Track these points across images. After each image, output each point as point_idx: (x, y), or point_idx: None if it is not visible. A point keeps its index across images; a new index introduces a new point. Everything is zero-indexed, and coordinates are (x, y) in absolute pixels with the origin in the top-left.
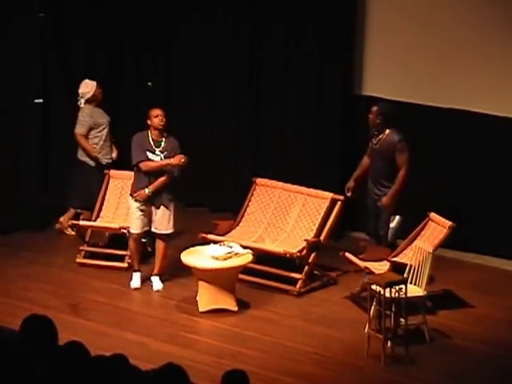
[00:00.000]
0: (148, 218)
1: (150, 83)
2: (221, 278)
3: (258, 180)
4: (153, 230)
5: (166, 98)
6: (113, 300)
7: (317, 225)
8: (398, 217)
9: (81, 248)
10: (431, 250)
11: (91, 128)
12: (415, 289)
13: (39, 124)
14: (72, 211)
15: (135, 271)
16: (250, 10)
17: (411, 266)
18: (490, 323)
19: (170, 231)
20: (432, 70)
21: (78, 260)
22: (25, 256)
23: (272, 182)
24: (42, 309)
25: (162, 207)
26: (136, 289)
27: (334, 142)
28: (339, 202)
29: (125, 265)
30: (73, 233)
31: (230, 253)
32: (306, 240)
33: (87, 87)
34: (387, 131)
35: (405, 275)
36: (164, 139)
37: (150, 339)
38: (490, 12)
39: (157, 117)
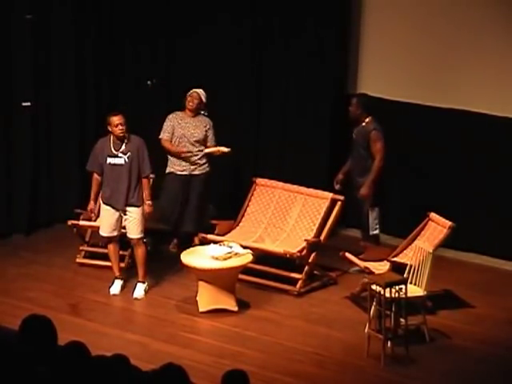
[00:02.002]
0: (120, 221)
1: (149, 82)
2: (221, 278)
3: (258, 180)
4: (127, 235)
5: (167, 98)
6: (113, 300)
7: (317, 225)
8: (376, 208)
9: (81, 248)
10: (431, 250)
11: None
12: (415, 289)
13: (33, 126)
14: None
15: (116, 278)
16: (250, 11)
17: (411, 266)
18: (490, 323)
19: (141, 235)
20: (429, 69)
21: (77, 260)
22: (25, 256)
23: (272, 182)
24: (42, 309)
25: (131, 209)
26: (114, 295)
27: (335, 142)
28: (339, 202)
29: (122, 265)
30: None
31: (229, 253)
32: (306, 240)
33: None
34: (365, 121)
35: (405, 275)
36: (126, 140)
37: (150, 339)
38: (488, 11)
39: (117, 126)
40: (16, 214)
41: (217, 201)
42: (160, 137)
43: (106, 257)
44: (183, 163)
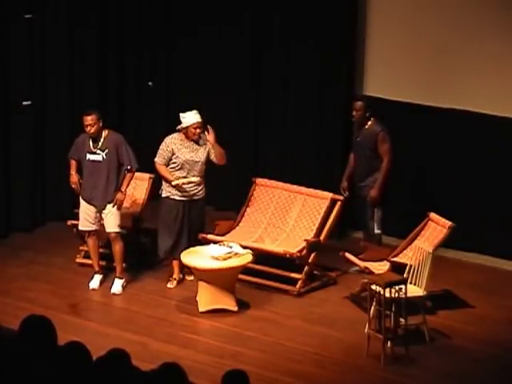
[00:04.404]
0: (98, 216)
1: (150, 83)
2: (221, 278)
3: (258, 180)
4: (106, 230)
5: (166, 98)
6: (113, 300)
7: (317, 225)
8: (381, 208)
9: (81, 248)
10: (431, 250)
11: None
12: (415, 289)
13: (30, 125)
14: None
15: (95, 273)
16: (252, 11)
17: (411, 266)
18: (489, 323)
19: (118, 230)
20: (430, 70)
21: (77, 260)
22: (24, 256)
23: (272, 182)
24: (42, 309)
25: (108, 205)
26: (94, 290)
27: (335, 142)
28: (339, 202)
29: (124, 264)
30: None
31: (229, 253)
32: (305, 240)
33: (184, 116)
34: (369, 123)
35: (405, 275)
36: (103, 137)
37: (150, 339)
38: (487, 14)
39: (86, 127)
40: (15, 214)
41: (216, 201)
42: (155, 160)
43: (105, 257)
44: (184, 188)
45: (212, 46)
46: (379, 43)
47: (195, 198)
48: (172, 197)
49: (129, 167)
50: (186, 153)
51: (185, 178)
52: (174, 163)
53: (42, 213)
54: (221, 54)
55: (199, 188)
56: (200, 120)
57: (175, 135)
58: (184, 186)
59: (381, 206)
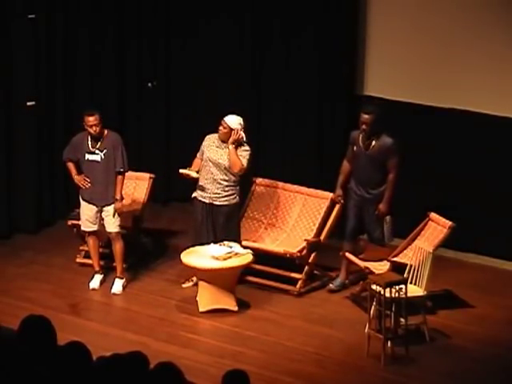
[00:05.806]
0: (99, 216)
1: (150, 84)
2: (221, 278)
3: (258, 180)
4: (106, 229)
5: (166, 98)
6: (113, 300)
7: (317, 225)
8: (388, 217)
9: (81, 248)
10: (431, 250)
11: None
12: (415, 289)
13: (34, 126)
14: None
15: (95, 272)
16: (252, 11)
17: (411, 265)
18: (490, 323)
19: (118, 230)
20: (430, 70)
21: (77, 260)
22: (24, 256)
23: (272, 181)
24: (42, 309)
25: (107, 207)
26: (94, 289)
27: (335, 142)
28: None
29: (124, 265)
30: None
31: (230, 253)
32: (306, 240)
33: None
34: (379, 135)
35: (405, 275)
36: (102, 137)
37: (150, 339)
38: (488, 14)
39: (91, 127)
40: (17, 214)
41: None
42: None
43: (106, 257)
44: (205, 188)
45: (212, 45)
46: (379, 43)
47: (215, 203)
48: (198, 197)
49: (121, 169)
50: (212, 151)
51: (198, 173)
52: (203, 160)
53: (51, 213)
54: (221, 54)
55: (223, 194)
56: (226, 119)
57: (214, 134)
58: (201, 184)
59: (389, 215)
